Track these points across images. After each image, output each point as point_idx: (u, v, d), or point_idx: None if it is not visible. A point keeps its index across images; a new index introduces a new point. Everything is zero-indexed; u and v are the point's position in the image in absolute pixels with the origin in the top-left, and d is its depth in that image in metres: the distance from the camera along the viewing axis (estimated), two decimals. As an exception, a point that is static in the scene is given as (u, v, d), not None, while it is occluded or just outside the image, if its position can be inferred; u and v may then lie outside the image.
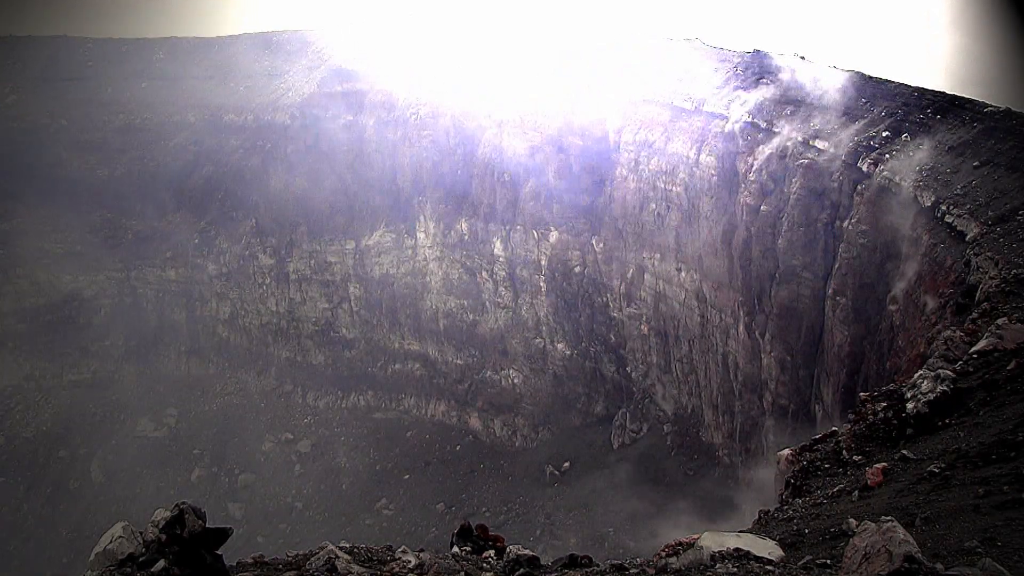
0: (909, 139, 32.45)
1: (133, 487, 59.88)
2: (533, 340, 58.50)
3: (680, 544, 9.67)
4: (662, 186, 48.93)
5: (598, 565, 8.94)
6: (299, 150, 64.74)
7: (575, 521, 50.04)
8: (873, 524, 6.65)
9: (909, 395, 13.14)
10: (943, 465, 10.54)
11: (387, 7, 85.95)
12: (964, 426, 11.83)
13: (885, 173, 31.83)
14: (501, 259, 58.38)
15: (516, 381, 59.34)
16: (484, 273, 59.57)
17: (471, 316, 60.87)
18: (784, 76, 42.79)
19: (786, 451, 14.91)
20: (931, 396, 12.68)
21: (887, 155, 32.46)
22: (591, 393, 56.99)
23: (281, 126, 65.65)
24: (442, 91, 60.49)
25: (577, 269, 55.80)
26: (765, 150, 40.43)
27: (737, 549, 8.48)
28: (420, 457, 59.82)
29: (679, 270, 48.67)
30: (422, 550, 9.52)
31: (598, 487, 51.25)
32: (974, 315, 17.92)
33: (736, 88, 45.41)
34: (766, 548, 8.68)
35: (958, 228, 25.66)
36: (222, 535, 7.36)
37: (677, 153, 47.48)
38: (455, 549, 9.72)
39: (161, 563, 6.89)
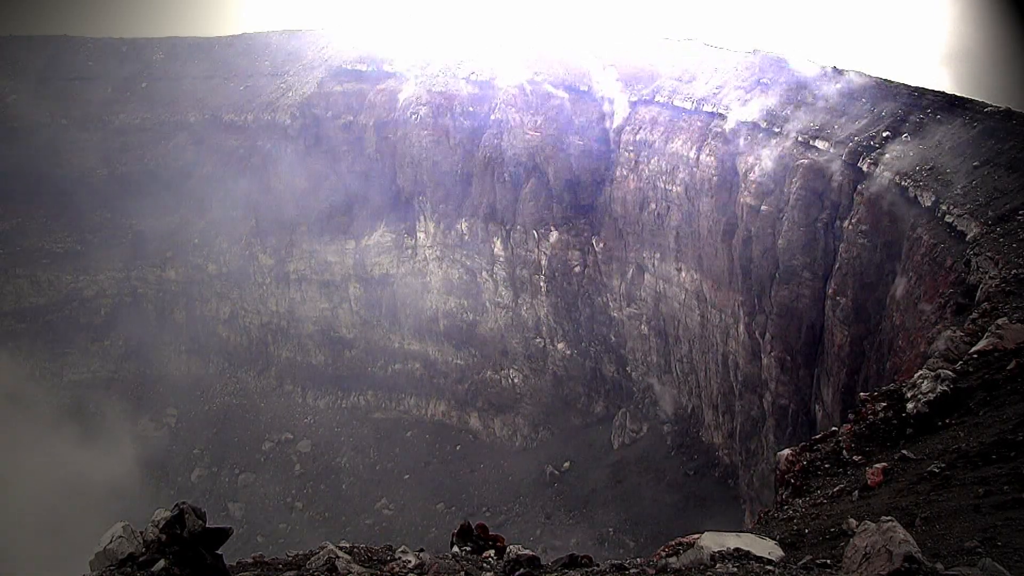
0: (909, 139, 32.43)
1: (133, 487, 59.83)
2: (533, 340, 58.48)
3: (680, 544, 9.66)
4: (662, 186, 48.93)
5: (598, 565, 8.92)
6: (299, 150, 64.68)
7: (575, 521, 50.05)
8: (873, 524, 6.65)
9: (909, 395, 13.12)
10: (943, 465, 10.53)
11: (387, 7, 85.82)
12: (964, 426, 11.82)
13: (885, 173, 31.82)
14: (501, 259, 58.34)
15: (516, 381, 59.31)
16: (484, 273, 59.54)
17: (471, 316, 60.83)
18: (784, 76, 42.80)
19: (786, 451, 14.88)
20: (931, 396, 12.66)
21: (887, 155, 32.45)
22: (591, 393, 56.97)
23: (281, 126, 65.59)
24: (442, 91, 60.45)
25: (577, 269, 55.79)
26: (765, 150, 40.44)
27: (737, 549, 8.47)
28: (420, 457, 59.82)
29: (679, 270, 48.68)
30: (422, 550, 9.53)
31: (598, 487, 51.26)
32: (974, 315, 17.92)
33: (736, 88, 45.41)
34: (766, 548, 8.67)
35: (958, 228, 25.65)
36: (222, 535, 7.36)
37: (677, 153, 47.48)
38: (455, 549, 9.70)
39: (161, 563, 6.89)
